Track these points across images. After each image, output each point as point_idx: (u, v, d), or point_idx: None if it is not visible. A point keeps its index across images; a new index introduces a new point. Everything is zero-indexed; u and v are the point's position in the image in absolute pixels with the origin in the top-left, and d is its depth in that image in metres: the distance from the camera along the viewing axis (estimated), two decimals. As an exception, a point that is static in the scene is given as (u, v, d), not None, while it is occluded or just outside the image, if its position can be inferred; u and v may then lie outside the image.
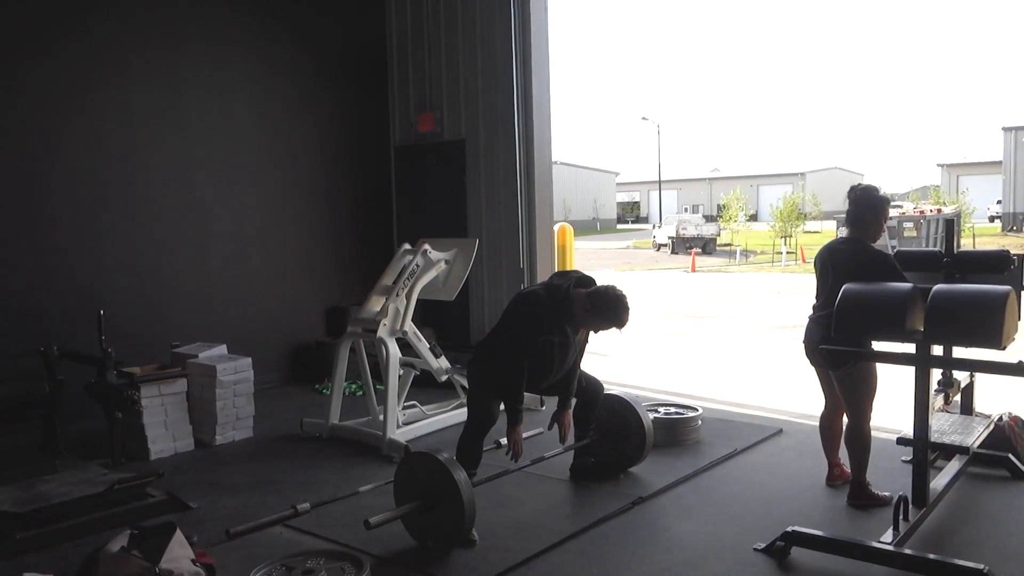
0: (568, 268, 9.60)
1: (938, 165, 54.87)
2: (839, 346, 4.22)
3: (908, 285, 4.03)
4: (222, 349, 6.48)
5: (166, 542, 3.47)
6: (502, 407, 4.63)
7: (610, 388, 5.30)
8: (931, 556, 3.70)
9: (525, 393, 4.61)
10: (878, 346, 4.38)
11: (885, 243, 21.48)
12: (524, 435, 4.61)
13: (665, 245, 36.94)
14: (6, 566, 3.96)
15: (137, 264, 7.18)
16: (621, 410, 5.25)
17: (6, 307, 6.31)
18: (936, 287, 3.95)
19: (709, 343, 11.27)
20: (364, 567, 3.50)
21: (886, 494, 4.57)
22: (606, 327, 4.54)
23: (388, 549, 4.10)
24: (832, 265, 4.63)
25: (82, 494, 4.52)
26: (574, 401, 4.92)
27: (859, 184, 4.80)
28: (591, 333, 4.80)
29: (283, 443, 6.18)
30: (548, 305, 4.51)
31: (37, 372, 5.29)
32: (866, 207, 4.60)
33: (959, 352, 4.52)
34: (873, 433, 4.60)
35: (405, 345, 6.20)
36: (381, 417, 5.92)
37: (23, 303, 6.40)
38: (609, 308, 4.44)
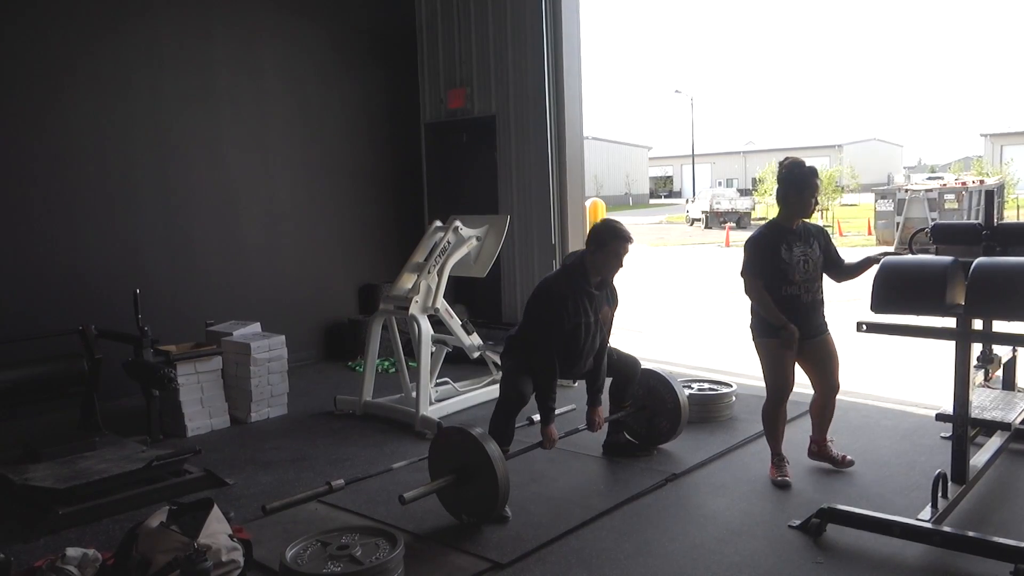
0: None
1: (981, 135, 53.60)
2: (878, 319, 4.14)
3: (948, 258, 3.94)
4: (256, 327, 6.54)
5: (204, 518, 3.51)
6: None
7: (645, 364, 5.26)
8: (970, 534, 3.63)
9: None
10: (918, 320, 4.29)
11: (925, 215, 21.04)
12: (556, 411, 4.60)
13: (699, 220, 36.61)
14: (49, 541, 4.04)
15: (171, 244, 7.26)
16: (657, 386, 5.22)
17: (45, 287, 6.42)
18: (978, 260, 3.85)
19: (744, 319, 11.12)
20: (398, 543, 3.51)
21: (786, 479, 4.58)
22: (614, 254, 4.48)
23: (422, 525, 4.12)
24: None
25: (121, 470, 4.59)
26: (604, 398, 4.90)
27: (787, 159, 4.58)
28: (617, 297, 4.79)
29: (317, 420, 6.23)
30: (567, 289, 4.49)
31: (76, 351, 5.38)
32: (788, 185, 4.44)
33: (1000, 326, 4.42)
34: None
35: (437, 322, 6.20)
36: (414, 394, 5.94)
37: (61, 283, 6.51)
38: (606, 232, 4.47)
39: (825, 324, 4.64)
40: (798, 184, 4.41)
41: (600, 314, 4.64)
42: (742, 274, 4.50)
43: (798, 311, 4.46)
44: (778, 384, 4.58)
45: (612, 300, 4.77)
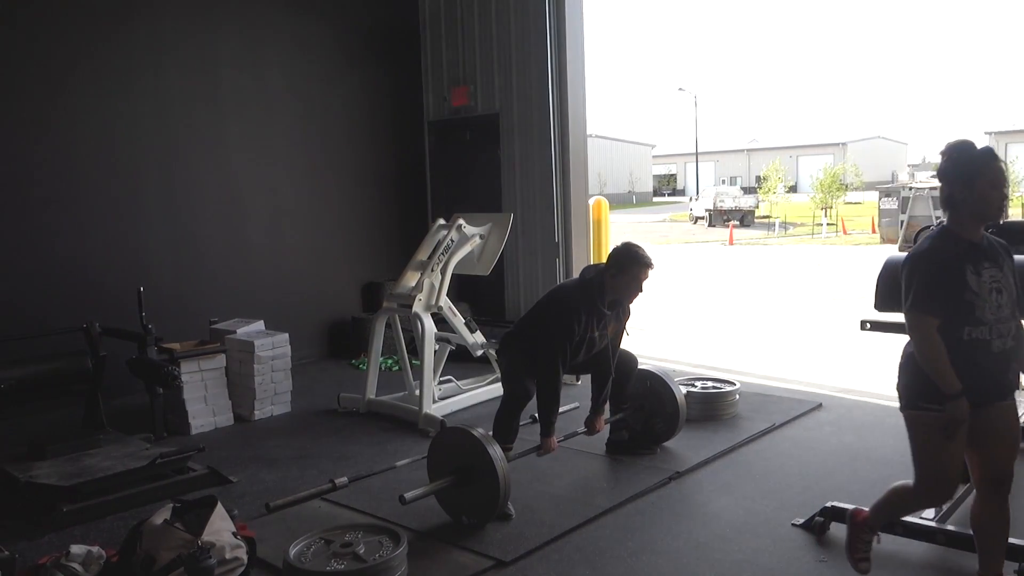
0: (603, 243, 9.54)
1: (986, 133, 53.43)
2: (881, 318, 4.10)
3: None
4: (260, 325, 6.54)
5: (207, 515, 3.51)
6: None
7: (646, 362, 5.25)
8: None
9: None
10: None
11: (929, 213, 20.99)
12: (559, 410, 4.61)
13: (702, 218, 36.55)
14: (53, 538, 4.05)
15: (175, 242, 7.27)
16: (657, 387, 5.20)
17: (50, 285, 6.44)
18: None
19: (747, 316, 11.15)
20: (401, 540, 3.51)
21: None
22: (634, 279, 4.43)
23: (425, 523, 4.12)
24: None
25: (125, 468, 4.60)
26: (607, 406, 4.91)
27: (953, 141, 3.07)
28: (629, 310, 4.77)
29: (320, 418, 6.24)
30: (582, 303, 4.46)
31: (80, 348, 5.39)
32: (953, 179, 2.99)
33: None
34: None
35: (440, 320, 6.21)
36: (417, 392, 5.95)
37: (66, 281, 6.52)
38: (628, 257, 4.42)
39: (1015, 383, 3.12)
40: (968, 174, 2.96)
41: (608, 329, 4.62)
42: (907, 310, 3.02)
43: (986, 365, 2.98)
44: (933, 481, 3.13)
45: (622, 315, 4.74)
